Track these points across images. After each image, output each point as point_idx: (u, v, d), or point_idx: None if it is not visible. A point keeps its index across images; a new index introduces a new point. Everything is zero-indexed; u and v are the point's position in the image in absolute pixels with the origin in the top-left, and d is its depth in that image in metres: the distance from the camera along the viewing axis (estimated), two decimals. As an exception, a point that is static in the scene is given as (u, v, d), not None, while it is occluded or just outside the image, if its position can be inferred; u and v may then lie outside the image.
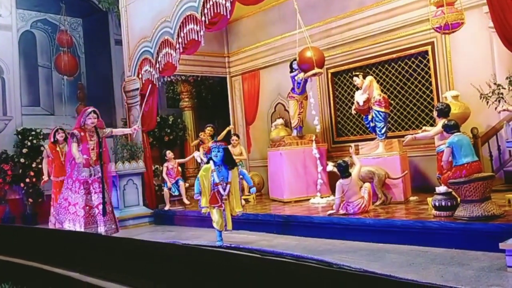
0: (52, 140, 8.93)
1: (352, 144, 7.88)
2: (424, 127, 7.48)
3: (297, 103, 9.22)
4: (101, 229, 7.38)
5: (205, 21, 8.24)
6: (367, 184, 7.06)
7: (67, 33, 14.28)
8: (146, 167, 10.00)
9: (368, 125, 8.01)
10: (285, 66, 9.76)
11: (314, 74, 8.46)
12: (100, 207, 7.41)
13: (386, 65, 9.02)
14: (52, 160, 8.84)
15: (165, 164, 9.57)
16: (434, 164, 6.93)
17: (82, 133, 7.39)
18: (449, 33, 7.08)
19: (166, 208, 9.61)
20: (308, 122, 9.39)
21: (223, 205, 6.34)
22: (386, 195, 7.29)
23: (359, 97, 7.81)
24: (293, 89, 9.23)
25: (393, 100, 8.76)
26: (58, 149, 8.87)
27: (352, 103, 8.26)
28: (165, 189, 9.60)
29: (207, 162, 6.65)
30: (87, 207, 7.36)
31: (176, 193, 9.59)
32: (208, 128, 9.87)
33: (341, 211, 6.79)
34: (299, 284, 3.20)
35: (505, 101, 4.70)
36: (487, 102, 4.65)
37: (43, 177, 8.92)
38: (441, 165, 6.15)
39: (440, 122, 6.34)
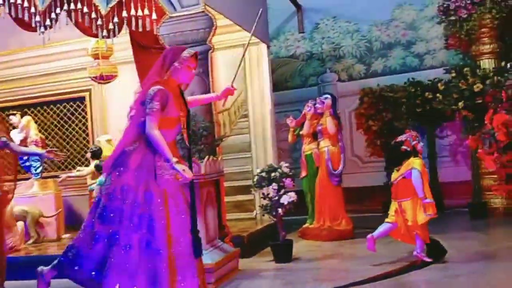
0: None
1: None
2: (78, 167, 8.02)
3: None
4: None
5: None
6: (20, 223, 7.10)
7: None
8: None
9: (23, 164, 8.02)
10: None
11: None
12: (185, 242, 3.66)
13: (45, 107, 9.22)
14: None
15: None
16: (86, 202, 7.47)
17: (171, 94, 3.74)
18: (104, 83, 7.95)
19: None
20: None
21: None
22: (39, 234, 7.45)
23: (16, 136, 7.82)
24: None
25: (51, 141, 9.01)
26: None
27: (8, 142, 8.14)
28: None
29: (408, 153, 4.35)
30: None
31: None
32: None
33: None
34: None
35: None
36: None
37: None
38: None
39: (93, 163, 7.02)
